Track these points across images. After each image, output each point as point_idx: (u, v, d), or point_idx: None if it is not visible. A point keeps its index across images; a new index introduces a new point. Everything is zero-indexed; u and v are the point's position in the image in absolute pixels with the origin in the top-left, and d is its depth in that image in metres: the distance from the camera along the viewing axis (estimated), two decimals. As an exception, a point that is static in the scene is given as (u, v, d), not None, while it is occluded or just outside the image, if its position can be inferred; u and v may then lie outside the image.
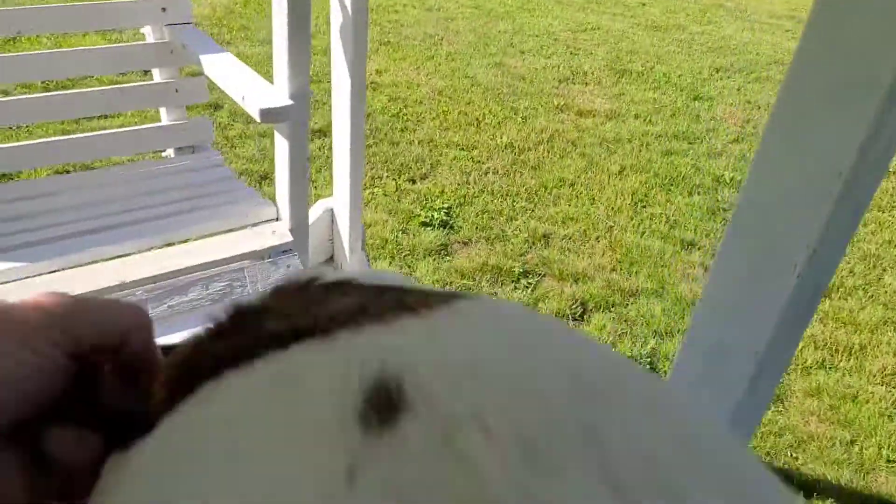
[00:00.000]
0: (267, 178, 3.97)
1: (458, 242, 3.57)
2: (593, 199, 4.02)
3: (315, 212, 2.54)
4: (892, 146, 0.50)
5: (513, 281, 3.28)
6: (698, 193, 4.13)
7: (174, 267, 1.32)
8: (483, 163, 4.35)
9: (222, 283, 1.32)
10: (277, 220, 1.50)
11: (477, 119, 4.92)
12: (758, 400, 0.64)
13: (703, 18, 7.81)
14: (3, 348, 0.31)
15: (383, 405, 0.26)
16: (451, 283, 3.21)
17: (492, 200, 3.94)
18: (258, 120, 1.35)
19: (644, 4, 8.23)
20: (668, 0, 8.51)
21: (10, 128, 3.79)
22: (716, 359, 0.63)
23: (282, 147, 1.41)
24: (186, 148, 1.96)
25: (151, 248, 1.38)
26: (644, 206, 3.97)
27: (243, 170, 4.04)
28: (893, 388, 2.76)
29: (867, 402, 2.67)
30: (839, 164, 0.49)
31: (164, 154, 2.15)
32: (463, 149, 4.50)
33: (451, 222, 3.71)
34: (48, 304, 0.34)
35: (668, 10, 8.03)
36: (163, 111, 2.08)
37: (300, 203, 1.44)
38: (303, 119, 1.39)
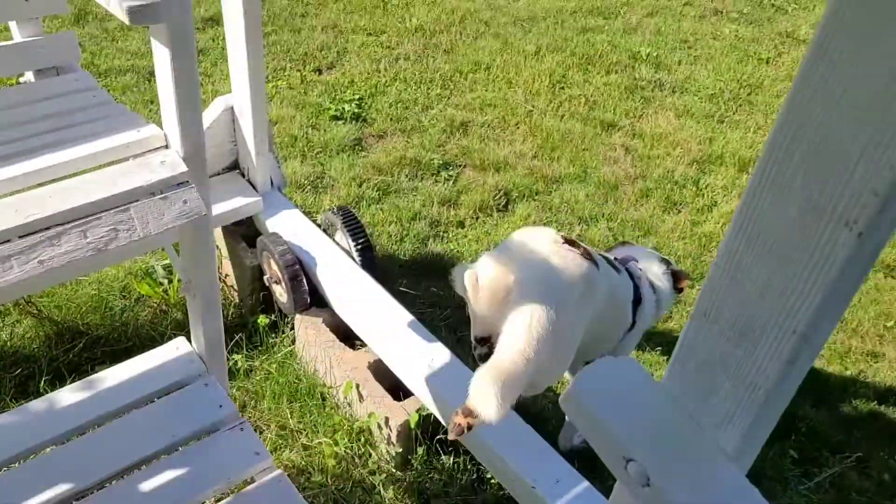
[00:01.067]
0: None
1: (373, 136, 3.37)
2: (510, 82, 3.86)
3: (213, 111, 2.29)
4: None
5: (433, 174, 3.14)
6: (616, 72, 4.02)
7: (43, 213, 1.07)
8: (393, 48, 4.08)
9: (105, 229, 1.11)
10: (167, 146, 1.27)
11: (383, 0, 4.59)
12: (788, 387, 0.54)
13: None
14: None
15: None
16: (368, 179, 3.04)
17: (405, 89, 3.72)
18: (126, 21, 1.08)
19: None
20: None
21: None
22: (740, 339, 0.53)
23: (162, 56, 1.16)
24: (49, 70, 1.65)
25: (13, 192, 1.12)
26: (562, 88, 3.84)
27: (128, 66, 3.65)
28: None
29: None
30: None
31: (21, 80, 1.80)
32: (371, 34, 4.21)
33: (363, 114, 3.49)
34: None
35: None
36: (13, 27, 1.73)
37: (193, 123, 1.21)
38: (185, 16, 1.12)
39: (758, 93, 3.95)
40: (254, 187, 2.39)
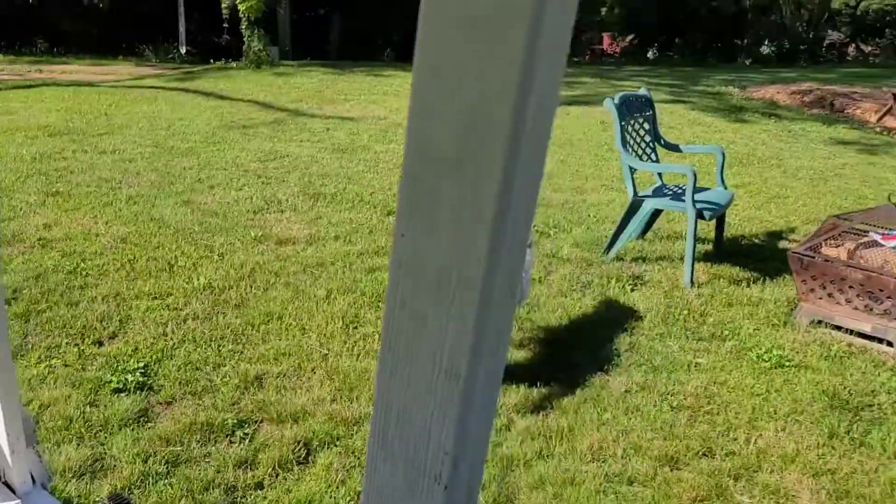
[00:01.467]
0: None
1: (160, 404, 3.20)
2: (304, 328, 3.91)
3: (-43, 412, 2.07)
4: (503, 342, 0.47)
5: (227, 435, 3.00)
6: (405, 305, 4.21)
7: None
8: (181, 309, 4.03)
9: None
10: None
11: (169, 263, 4.60)
12: None
13: (385, 138, 8.34)
14: None
15: None
16: (154, 453, 2.83)
17: (195, 349, 3.64)
18: None
19: (328, 129, 8.58)
20: (350, 124, 8.98)
21: None
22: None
23: None
24: None
25: None
26: (356, 327, 3.95)
27: None
28: (602, 462, 2.94)
29: (583, 482, 2.81)
30: (455, 367, 0.44)
31: None
32: (156, 297, 4.15)
33: (149, 382, 3.33)
34: None
35: (351, 133, 8.45)
36: None
37: None
38: None
39: (535, 310, 4.29)
40: (11, 490, 2.13)
